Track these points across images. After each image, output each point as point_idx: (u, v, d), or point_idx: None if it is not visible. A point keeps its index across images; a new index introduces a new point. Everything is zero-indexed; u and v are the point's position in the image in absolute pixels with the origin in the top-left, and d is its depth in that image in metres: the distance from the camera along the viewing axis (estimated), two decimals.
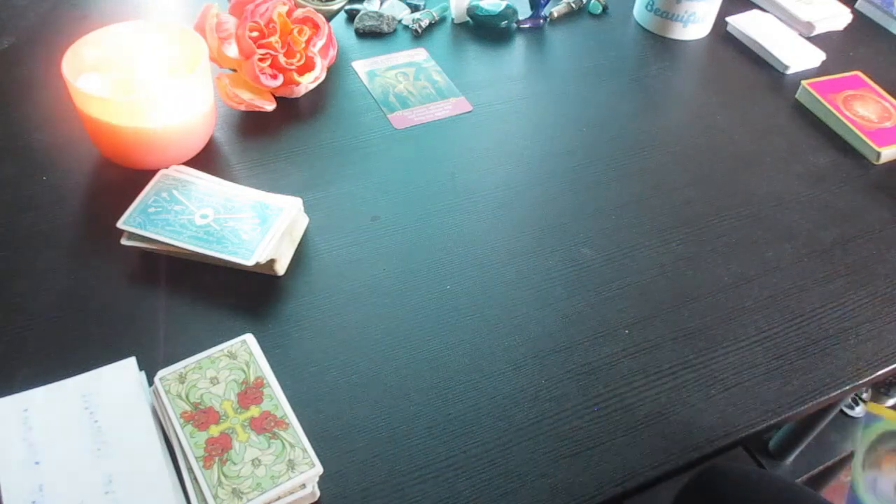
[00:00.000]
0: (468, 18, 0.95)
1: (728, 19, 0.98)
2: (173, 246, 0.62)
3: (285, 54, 0.76)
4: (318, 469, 0.49)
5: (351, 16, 0.93)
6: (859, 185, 0.78)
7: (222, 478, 0.48)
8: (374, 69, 0.86)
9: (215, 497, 0.47)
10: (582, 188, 0.74)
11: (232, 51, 0.75)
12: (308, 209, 0.69)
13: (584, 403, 0.57)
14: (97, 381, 0.53)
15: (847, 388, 0.60)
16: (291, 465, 0.49)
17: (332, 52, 0.82)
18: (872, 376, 0.61)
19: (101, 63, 0.70)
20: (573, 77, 0.88)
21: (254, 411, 0.52)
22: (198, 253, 0.61)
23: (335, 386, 0.56)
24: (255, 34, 0.74)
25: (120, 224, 0.63)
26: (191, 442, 0.50)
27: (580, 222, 0.71)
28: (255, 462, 0.49)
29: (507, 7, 0.93)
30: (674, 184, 0.76)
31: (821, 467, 1.12)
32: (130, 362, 0.55)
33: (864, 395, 1.21)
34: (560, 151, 0.78)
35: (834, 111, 0.84)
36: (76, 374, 0.54)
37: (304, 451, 0.50)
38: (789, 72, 0.92)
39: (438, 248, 0.67)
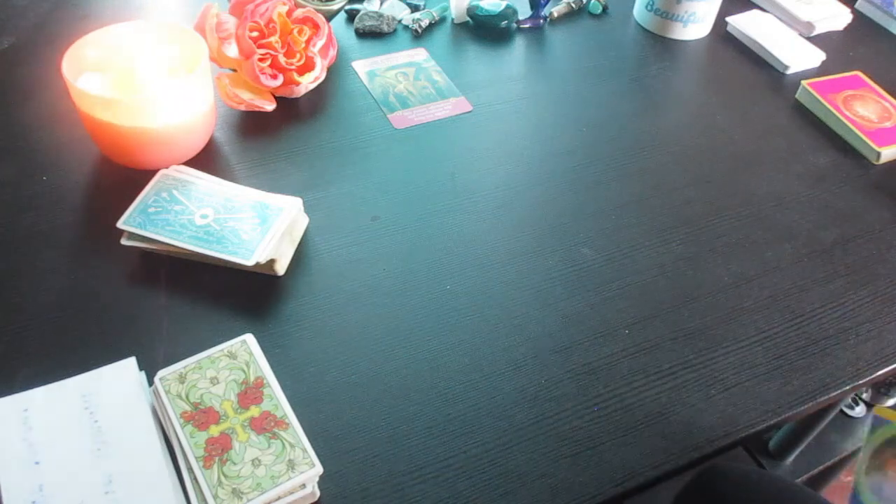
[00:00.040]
0: (468, 18, 0.95)
1: (728, 19, 0.98)
2: (173, 246, 0.62)
3: (285, 54, 0.76)
4: (318, 469, 0.49)
5: (351, 16, 0.93)
6: (859, 185, 0.78)
7: (222, 478, 0.48)
8: (374, 69, 0.86)
9: (215, 497, 0.47)
10: (582, 188, 0.74)
11: (232, 51, 0.75)
12: (308, 209, 0.69)
13: (584, 403, 0.57)
14: (97, 381, 0.53)
15: (847, 388, 0.60)
16: (291, 465, 0.49)
17: (332, 52, 0.82)
18: (872, 376, 0.61)
19: (101, 63, 0.70)
20: (573, 77, 0.88)
21: (254, 411, 0.52)
22: (198, 253, 0.61)
23: (335, 386, 0.56)
24: (255, 34, 0.74)
25: (120, 224, 0.63)
26: (191, 442, 0.50)
27: (580, 222, 0.71)
28: (255, 462, 0.49)
29: (507, 7, 0.93)
30: (674, 184, 0.76)
31: (821, 467, 1.12)
32: (130, 362, 0.55)
33: (864, 395, 1.21)
34: (560, 151, 0.78)
35: (834, 111, 0.84)
36: (76, 374, 0.54)
37: (304, 451, 0.50)
38: (789, 72, 0.92)
39: (438, 248, 0.67)
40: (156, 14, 0.92)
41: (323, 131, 0.78)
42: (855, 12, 1.02)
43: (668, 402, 0.57)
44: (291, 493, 0.49)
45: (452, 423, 0.55)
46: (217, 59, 0.75)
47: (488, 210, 0.71)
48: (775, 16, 0.99)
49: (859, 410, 1.18)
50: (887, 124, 0.83)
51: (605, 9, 1.00)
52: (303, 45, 0.77)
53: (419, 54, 0.89)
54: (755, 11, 1.00)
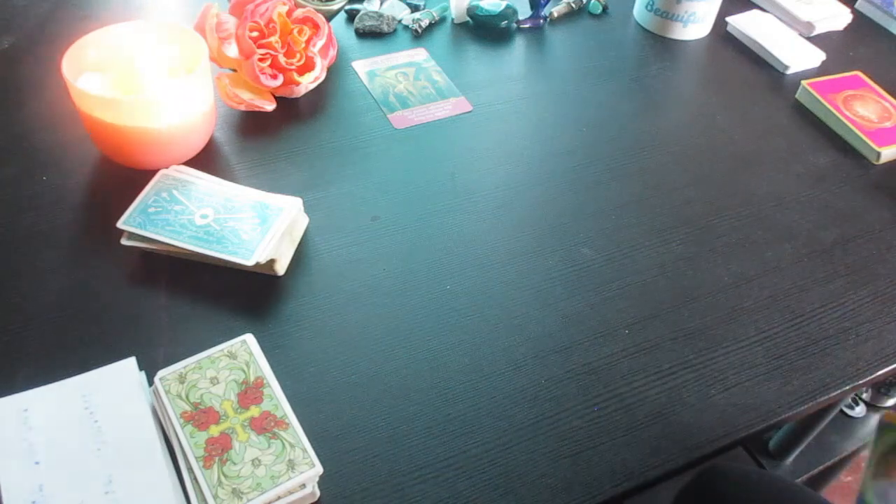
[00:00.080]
0: (468, 18, 0.95)
1: (728, 19, 0.98)
2: (173, 246, 0.62)
3: (285, 54, 0.76)
4: (318, 469, 0.49)
5: (351, 16, 0.93)
6: (859, 185, 0.78)
7: (222, 478, 0.48)
8: (374, 69, 0.86)
9: (215, 497, 0.47)
10: (582, 188, 0.74)
11: (232, 51, 0.75)
12: (308, 209, 0.69)
13: (584, 403, 0.57)
14: (97, 381, 0.53)
15: (847, 388, 0.60)
16: (291, 465, 0.49)
17: (332, 52, 0.82)
18: (872, 376, 0.61)
19: (101, 63, 0.70)
20: (573, 77, 0.88)
21: (254, 411, 0.52)
22: (198, 253, 0.61)
23: (335, 386, 0.57)
24: (255, 34, 0.74)
25: (120, 224, 0.63)
26: (191, 442, 0.50)
27: (580, 222, 0.71)
28: (255, 462, 0.49)
29: (507, 7, 0.93)
30: (674, 184, 0.76)
31: (821, 467, 1.12)
32: (130, 362, 0.55)
33: (865, 395, 1.21)
34: (560, 151, 0.78)
35: (834, 111, 0.84)
36: (76, 374, 0.54)
37: (304, 451, 0.50)
38: (789, 72, 0.92)
39: (438, 248, 0.67)
40: (156, 14, 0.92)
41: (323, 131, 0.78)
42: (855, 12, 1.02)
43: (667, 402, 0.57)
44: (291, 493, 0.49)
45: (452, 423, 0.55)
46: (217, 59, 0.75)
47: (488, 210, 0.71)
48: (775, 16, 0.99)
49: (859, 410, 1.18)
50: (887, 124, 0.83)
51: (605, 9, 1.00)
52: (303, 45, 0.77)
53: (419, 54, 0.89)
54: (755, 11, 1.00)
